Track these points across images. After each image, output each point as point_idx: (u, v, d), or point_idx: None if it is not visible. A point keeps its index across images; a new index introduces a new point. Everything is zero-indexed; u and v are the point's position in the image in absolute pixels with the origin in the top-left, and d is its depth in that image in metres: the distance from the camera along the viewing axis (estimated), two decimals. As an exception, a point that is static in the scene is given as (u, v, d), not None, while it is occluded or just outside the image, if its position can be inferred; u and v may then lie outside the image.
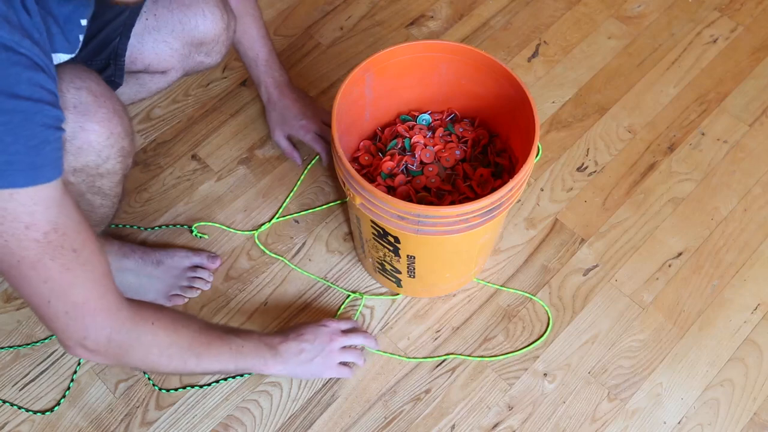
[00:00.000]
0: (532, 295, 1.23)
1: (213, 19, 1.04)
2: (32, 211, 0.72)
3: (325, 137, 1.31)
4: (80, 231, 0.77)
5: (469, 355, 1.18)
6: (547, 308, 1.21)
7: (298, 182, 1.34)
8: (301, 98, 1.33)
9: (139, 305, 0.87)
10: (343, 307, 1.22)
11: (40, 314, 0.79)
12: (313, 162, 1.36)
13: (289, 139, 1.33)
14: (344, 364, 1.12)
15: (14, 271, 0.75)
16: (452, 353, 1.19)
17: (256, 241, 1.28)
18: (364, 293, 1.24)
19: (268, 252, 1.27)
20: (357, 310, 1.22)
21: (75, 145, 0.83)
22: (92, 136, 0.84)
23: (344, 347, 1.11)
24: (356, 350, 1.13)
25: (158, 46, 1.01)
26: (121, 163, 0.90)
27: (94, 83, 0.85)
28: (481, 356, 1.18)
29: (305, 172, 1.35)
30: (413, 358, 1.18)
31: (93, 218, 0.98)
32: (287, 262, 1.27)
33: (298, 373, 1.07)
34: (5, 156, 0.68)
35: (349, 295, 1.23)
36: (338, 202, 1.32)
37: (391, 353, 1.19)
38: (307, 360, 1.06)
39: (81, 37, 0.87)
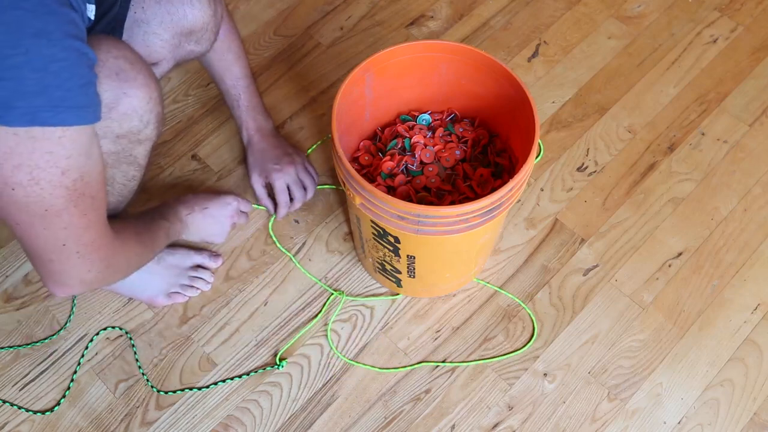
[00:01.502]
0: (522, 302, 1.23)
1: (201, 8, 1.04)
2: (70, 155, 0.74)
3: (294, 191, 1.29)
4: (99, 179, 0.81)
5: (452, 362, 1.18)
6: (533, 317, 1.21)
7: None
8: (281, 145, 1.31)
9: (115, 227, 0.92)
10: (325, 307, 1.23)
11: (46, 258, 0.82)
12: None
13: (267, 185, 1.30)
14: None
15: (35, 220, 0.77)
16: (423, 361, 1.19)
17: (270, 231, 1.29)
18: (343, 292, 1.24)
19: (278, 244, 1.27)
20: (346, 311, 1.22)
21: (120, 111, 0.85)
22: (135, 101, 0.87)
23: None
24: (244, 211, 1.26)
25: (148, 38, 1.01)
26: (156, 129, 0.95)
27: (129, 51, 0.87)
28: (466, 361, 1.18)
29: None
30: (394, 368, 1.18)
31: (124, 192, 1.02)
32: (292, 257, 1.27)
33: (203, 236, 1.20)
34: (61, 91, 0.69)
35: (332, 293, 1.23)
36: (334, 186, 1.32)
37: (371, 365, 1.19)
38: (212, 230, 1.20)
39: None
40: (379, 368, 1.17)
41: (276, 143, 1.31)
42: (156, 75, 1.09)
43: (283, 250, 1.28)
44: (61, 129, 0.71)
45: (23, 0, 0.66)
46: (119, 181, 0.99)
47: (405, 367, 1.18)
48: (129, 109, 0.87)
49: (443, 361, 1.18)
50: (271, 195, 1.30)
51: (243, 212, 1.27)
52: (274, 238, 1.29)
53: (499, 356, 1.18)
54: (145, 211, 1.12)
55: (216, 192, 1.25)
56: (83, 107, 0.73)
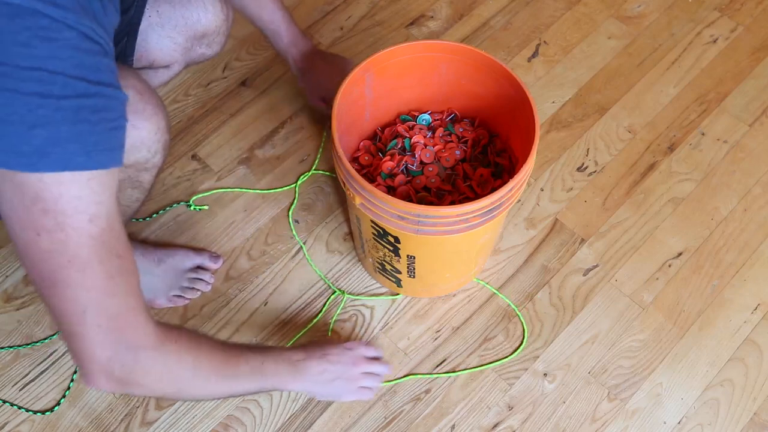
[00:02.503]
0: (516, 307, 1.22)
1: (214, 12, 1.05)
2: (100, 201, 0.70)
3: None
4: (123, 236, 0.74)
5: (431, 373, 1.18)
6: (523, 323, 1.21)
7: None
8: (328, 63, 1.32)
9: (160, 324, 0.79)
10: (326, 306, 1.23)
11: (68, 328, 0.72)
12: (313, 167, 1.36)
13: (324, 100, 1.32)
14: (362, 386, 1.06)
15: (58, 275, 0.70)
16: (413, 373, 1.19)
17: (290, 218, 1.29)
18: (345, 291, 1.24)
19: (294, 233, 1.28)
20: (346, 311, 1.22)
21: (127, 143, 0.82)
22: (143, 132, 0.87)
23: (365, 372, 1.06)
24: (376, 375, 1.07)
25: (162, 41, 1.03)
26: (163, 156, 0.94)
27: (137, 80, 0.87)
28: (448, 372, 1.18)
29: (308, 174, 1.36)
30: (386, 381, 1.18)
31: (127, 213, 1.02)
32: (302, 244, 1.27)
33: (317, 392, 1.03)
34: (94, 136, 0.68)
35: (334, 291, 1.23)
36: (329, 173, 1.33)
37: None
38: (328, 381, 1.01)
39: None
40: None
41: (323, 66, 1.31)
42: (167, 80, 1.10)
43: (297, 239, 1.28)
44: (89, 172, 0.69)
45: (56, 57, 0.66)
46: (123, 203, 0.99)
47: (395, 380, 1.17)
48: (137, 141, 0.87)
49: (433, 373, 1.18)
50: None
51: (372, 361, 1.07)
52: (291, 225, 1.29)
53: (485, 365, 1.18)
54: (230, 343, 0.96)
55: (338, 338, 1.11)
56: (114, 149, 0.71)
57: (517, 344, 1.20)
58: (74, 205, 0.69)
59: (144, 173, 0.96)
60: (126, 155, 0.85)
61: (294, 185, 1.34)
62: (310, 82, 1.32)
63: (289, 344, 1.19)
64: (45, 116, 0.66)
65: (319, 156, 1.37)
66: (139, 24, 0.99)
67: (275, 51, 1.30)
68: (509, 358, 1.18)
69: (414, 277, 1.14)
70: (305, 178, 1.35)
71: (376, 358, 1.07)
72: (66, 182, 0.68)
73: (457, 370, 1.17)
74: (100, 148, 0.70)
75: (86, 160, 0.68)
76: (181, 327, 0.84)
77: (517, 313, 1.22)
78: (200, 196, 1.33)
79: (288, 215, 1.31)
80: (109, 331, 0.72)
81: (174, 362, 0.79)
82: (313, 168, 1.36)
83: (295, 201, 1.32)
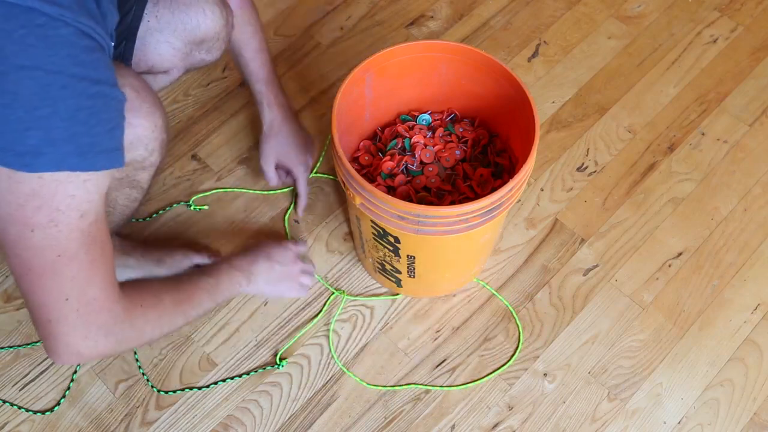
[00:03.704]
0: (513, 309, 1.22)
1: (213, 17, 1.05)
2: (91, 199, 0.73)
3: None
4: (105, 224, 0.78)
5: (426, 384, 1.18)
6: (519, 326, 1.21)
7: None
8: (302, 133, 1.29)
9: (128, 290, 0.85)
10: (326, 306, 1.23)
11: (47, 316, 0.77)
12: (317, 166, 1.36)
13: (277, 167, 1.28)
14: (301, 283, 1.18)
15: (47, 267, 0.74)
16: (414, 383, 1.19)
17: (286, 223, 1.29)
18: (344, 291, 1.24)
19: (288, 237, 1.27)
20: (346, 311, 1.22)
21: (125, 140, 0.84)
22: (140, 130, 0.88)
23: (302, 270, 1.18)
24: (310, 273, 1.20)
25: (161, 46, 1.02)
26: (160, 155, 0.94)
27: (134, 78, 0.87)
28: (442, 386, 1.17)
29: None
30: (382, 386, 1.18)
31: (126, 213, 1.02)
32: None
33: (265, 291, 1.13)
34: (89, 138, 0.69)
35: (334, 291, 1.23)
36: (328, 176, 1.33)
37: (360, 378, 1.19)
38: (276, 279, 1.13)
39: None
40: (367, 383, 1.16)
41: (298, 129, 1.27)
42: (166, 85, 1.10)
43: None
44: (86, 173, 0.71)
45: (53, 54, 0.66)
46: (121, 203, 1.00)
47: (393, 386, 1.17)
48: (134, 139, 0.88)
49: (427, 385, 1.18)
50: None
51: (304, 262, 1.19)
52: (287, 230, 1.29)
53: (483, 377, 1.19)
54: (184, 273, 1.07)
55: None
56: (112, 151, 0.73)
57: (518, 344, 1.20)
58: (68, 202, 0.71)
59: (141, 172, 0.95)
60: (125, 153, 0.86)
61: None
62: (277, 143, 1.25)
63: (287, 346, 1.20)
64: (42, 117, 0.67)
65: (321, 159, 1.37)
66: (137, 29, 0.99)
67: (251, 95, 1.26)
68: (507, 365, 1.18)
69: (414, 277, 1.14)
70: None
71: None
72: (63, 181, 0.70)
73: (457, 369, 1.17)
74: (96, 149, 0.71)
75: (80, 161, 0.70)
76: (141, 284, 0.91)
77: (514, 315, 1.22)
78: (200, 196, 1.33)
79: (284, 219, 1.31)
80: (85, 315, 0.78)
81: (142, 323, 0.86)
82: (314, 171, 1.35)
83: (293, 204, 1.32)
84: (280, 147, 1.25)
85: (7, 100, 0.65)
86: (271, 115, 1.24)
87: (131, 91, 0.85)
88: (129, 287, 0.86)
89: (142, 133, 0.88)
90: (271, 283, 1.13)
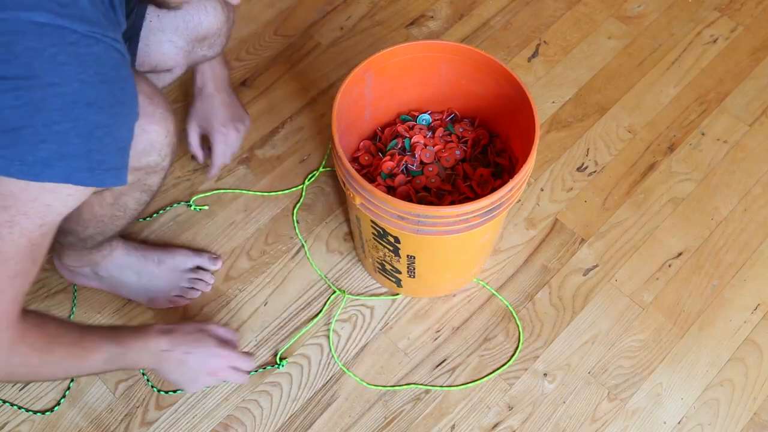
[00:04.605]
0: (514, 310, 1.22)
1: (215, 14, 1.05)
2: (61, 213, 0.71)
3: (226, 157, 1.27)
4: (48, 244, 0.75)
5: (425, 384, 1.18)
6: (519, 326, 1.21)
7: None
8: (232, 104, 1.27)
9: (27, 321, 0.78)
10: (326, 306, 1.23)
11: None
12: (316, 174, 1.36)
13: (202, 137, 1.26)
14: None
15: None
16: (414, 383, 1.19)
17: (294, 216, 1.29)
18: (345, 291, 1.24)
19: (297, 232, 1.28)
20: (346, 311, 1.22)
21: (138, 147, 0.84)
22: (154, 136, 0.88)
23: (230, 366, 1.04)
24: (243, 365, 1.05)
25: (164, 46, 1.02)
26: (171, 160, 0.95)
27: (146, 84, 0.87)
28: (442, 386, 1.17)
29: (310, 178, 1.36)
30: (382, 386, 1.18)
31: (134, 216, 1.03)
32: (304, 244, 1.27)
33: (168, 378, 1.01)
34: (101, 155, 0.69)
35: (334, 291, 1.23)
36: (324, 169, 1.33)
37: (360, 378, 1.19)
38: (182, 378, 1.01)
39: None
40: (367, 383, 1.17)
41: (228, 101, 1.25)
42: (169, 82, 1.10)
43: (300, 237, 1.28)
44: (74, 187, 0.69)
45: (83, 72, 0.66)
46: (132, 207, 1.00)
47: (393, 386, 1.17)
48: (147, 145, 0.88)
49: (427, 385, 1.18)
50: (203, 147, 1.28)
51: (237, 371, 1.04)
52: (295, 224, 1.29)
53: (483, 377, 1.19)
54: (106, 326, 1.00)
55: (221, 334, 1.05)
56: (119, 169, 0.73)
57: (518, 344, 1.20)
58: (38, 210, 0.69)
59: (153, 176, 0.96)
60: (137, 159, 0.86)
61: (302, 186, 1.34)
62: (203, 110, 1.23)
63: (287, 346, 1.20)
64: (60, 132, 0.66)
65: (327, 155, 1.37)
66: (140, 29, 0.99)
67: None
68: (507, 365, 1.18)
69: (414, 277, 1.14)
70: (313, 179, 1.35)
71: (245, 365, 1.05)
72: (49, 190, 0.68)
73: (457, 369, 1.17)
74: (105, 167, 0.70)
75: (88, 176, 0.69)
76: (43, 322, 0.82)
77: (514, 315, 1.22)
78: (200, 196, 1.33)
79: (293, 214, 1.31)
80: None
81: (18, 363, 0.79)
82: (322, 166, 1.35)
83: (301, 200, 1.32)
84: (203, 113, 1.23)
85: (28, 112, 0.65)
86: (202, 81, 1.22)
87: (144, 97, 0.84)
88: (30, 320, 0.79)
89: (156, 139, 0.88)
90: (175, 376, 1.00)
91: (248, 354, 1.07)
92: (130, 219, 1.04)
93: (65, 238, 1.07)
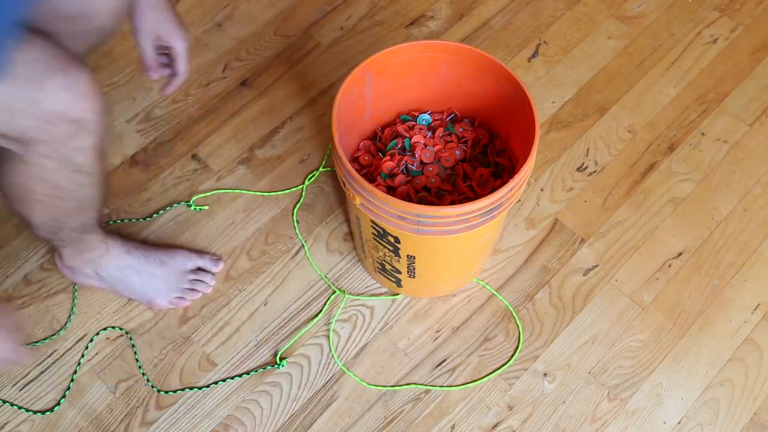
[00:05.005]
0: (514, 310, 1.22)
1: None
2: None
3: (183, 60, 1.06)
4: None
5: (426, 384, 1.18)
6: (519, 326, 1.21)
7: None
8: (172, 8, 1.05)
9: None
10: (326, 306, 1.23)
11: None
12: (316, 174, 1.36)
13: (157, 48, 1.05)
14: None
15: None
16: (414, 383, 1.19)
17: (294, 216, 1.29)
18: (345, 291, 1.24)
19: (297, 231, 1.28)
20: (346, 311, 1.22)
21: (43, 117, 0.79)
22: (62, 105, 0.80)
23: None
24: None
25: None
26: (94, 137, 0.86)
27: (54, 48, 0.80)
28: (442, 386, 1.17)
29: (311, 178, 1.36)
30: (382, 386, 1.18)
31: (77, 197, 0.95)
32: (304, 244, 1.27)
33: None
34: None
35: (334, 291, 1.23)
36: (323, 170, 1.33)
37: (361, 378, 1.19)
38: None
39: None
40: (367, 383, 1.17)
41: (170, 6, 1.04)
42: (90, 71, 0.91)
43: (300, 237, 1.28)
44: None
45: None
46: (70, 188, 0.93)
47: (393, 386, 1.17)
48: (53, 115, 0.80)
49: (427, 385, 1.18)
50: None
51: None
52: (295, 224, 1.29)
53: (483, 377, 1.19)
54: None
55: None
56: None
57: (518, 344, 1.20)
58: None
59: (78, 154, 0.87)
60: (40, 130, 0.80)
61: (302, 186, 1.34)
62: (150, 14, 1.01)
63: (287, 346, 1.20)
64: None
65: (327, 155, 1.37)
66: None
67: None
68: (507, 365, 1.18)
69: (414, 277, 1.14)
70: (313, 179, 1.35)
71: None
72: None
73: (457, 369, 1.17)
74: None
75: None
76: None
77: (514, 315, 1.22)
78: (200, 196, 1.33)
79: (292, 213, 1.31)
80: None
81: None
82: (322, 166, 1.35)
83: (301, 200, 1.32)
84: (158, 21, 1.02)
85: None
86: None
87: (54, 60, 0.77)
88: None
89: (65, 110, 0.80)
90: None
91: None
92: (79, 204, 0.97)
93: (34, 231, 1.02)
